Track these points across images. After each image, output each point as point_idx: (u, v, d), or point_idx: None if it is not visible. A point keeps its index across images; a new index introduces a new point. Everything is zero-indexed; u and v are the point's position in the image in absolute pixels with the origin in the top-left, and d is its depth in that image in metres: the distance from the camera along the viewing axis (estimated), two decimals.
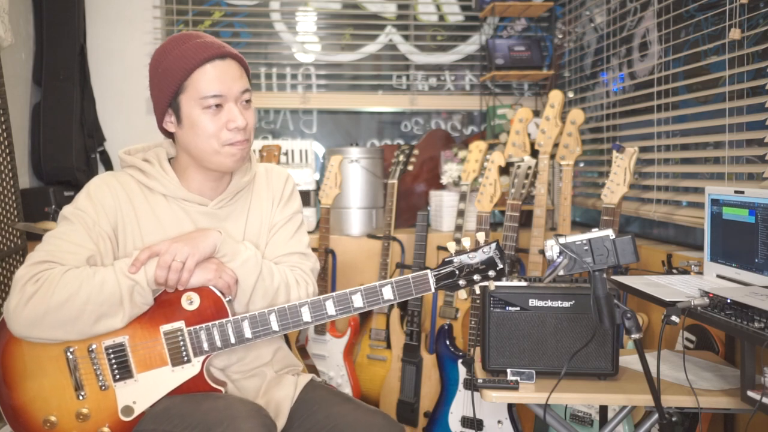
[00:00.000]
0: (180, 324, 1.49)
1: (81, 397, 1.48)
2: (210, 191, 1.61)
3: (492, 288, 1.56)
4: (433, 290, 1.50)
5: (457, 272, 1.50)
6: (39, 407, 1.48)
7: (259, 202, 1.67)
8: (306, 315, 1.50)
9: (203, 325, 1.49)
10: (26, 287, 1.41)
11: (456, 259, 1.50)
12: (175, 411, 1.43)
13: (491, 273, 1.50)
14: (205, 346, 1.49)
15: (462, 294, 1.55)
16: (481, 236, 1.52)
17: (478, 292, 1.55)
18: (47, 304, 1.40)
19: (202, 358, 1.49)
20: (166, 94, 1.51)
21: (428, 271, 1.50)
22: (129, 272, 1.44)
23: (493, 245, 1.50)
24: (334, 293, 1.50)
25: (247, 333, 1.49)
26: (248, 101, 1.56)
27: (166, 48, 1.52)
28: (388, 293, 1.50)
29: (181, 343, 1.49)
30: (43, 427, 1.48)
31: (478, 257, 1.49)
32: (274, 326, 1.50)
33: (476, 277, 1.50)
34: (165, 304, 1.49)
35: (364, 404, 1.59)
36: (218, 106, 1.50)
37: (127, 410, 1.48)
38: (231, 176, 1.64)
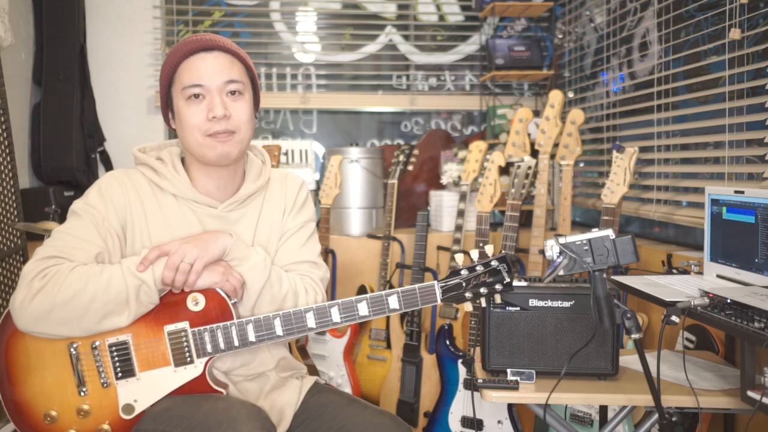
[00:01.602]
0: (184, 324, 1.49)
1: (82, 393, 1.48)
2: (217, 192, 1.60)
3: (498, 301, 1.56)
4: (439, 302, 1.50)
5: (464, 284, 1.50)
6: (40, 401, 1.49)
7: (271, 208, 1.65)
8: (311, 321, 1.50)
9: (207, 327, 1.49)
10: (33, 282, 1.41)
11: (463, 271, 1.50)
12: (175, 412, 1.43)
13: (498, 286, 1.50)
14: (209, 347, 1.49)
15: (467, 306, 1.54)
16: (489, 249, 1.51)
17: (483, 305, 1.55)
18: (53, 300, 1.40)
19: (204, 359, 1.49)
20: (163, 88, 1.57)
21: (435, 282, 1.50)
22: (137, 271, 1.44)
23: (501, 258, 1.50)
24: (339, 300, 1.50)
25: (251, 336, 1.49)
26: (237, 93, 1.54)
27: (172, 48, 1.58)
28: (393, 303, 1.50)
29: (185, 343, 1.49)
30: (44, 421, 1.48)
31: (485, 270, 1.49)
32: (279, 331, 1.49)
33: (483, 289, 1.50)
34: (170, 304, 1.49)
35: (371, 405, 1.59)
36: (201, 96, 1.52)
37: (128, 408, 1.48)
38: (242, 180, 1.64)
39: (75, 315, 1.41)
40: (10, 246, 2.77)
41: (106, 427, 1.48)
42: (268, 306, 1.53)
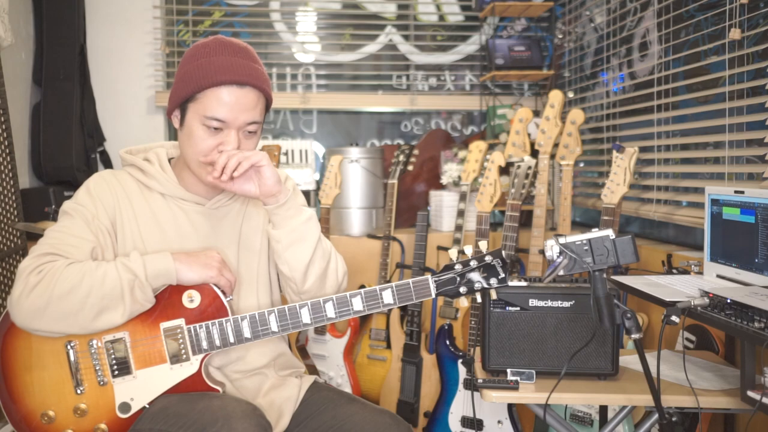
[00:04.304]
0: (180, 321, 1.49)
1: (79, 392, 1.48)
2: (206, 192, 1.61)
3: (494, 297, 1.56)
4: (433, 296, 1.50)
5: (458, 279, 1.50)
6: (37, 401, 1.49)
7: (257, 204, 1.66)
8: (305, 316, 1.50)
9: (203, 324, 1.49)
10: (30, 278, 1.41)
11: (457, 266, 1.50)
12: (172, 410, 1.44)
13: (492, 281, 1.50)
14: (204, 344, 1.49)
15: (463, 301, 1.54)
16: (483, 244, 1.51)
17: (479, 300, 1.55)
18: (50, 294, 1.40)
19: (200, 356, 1.50)
20: (180, 95, 1.51)
21: (429, 276, 1.50)
22: (210, 174, 1.47)
23: (495, 253, 1.50)
24: (333, 295, 1.51)
25: (246, 333, 1.50)
26: (252, 132, 1.53)
27: (199, 51, 1.51)
28: (388, 297, 1.50)
29: (181, 340, 1.49)
30: (41, 421, 1.49)
31: (480, 265, 1.49)
32: (273, 327, 1.50)
33: (477, 284, 1.50)
34: (166, 301, 1.50)
35: (370, 404, 1.60)
36: (218, 129, 1.49)
37: (125, 407, 1.48)
38: None
39: (71, 310, 1.41)
40: (10, 246, 2.77)
41: (103, 426, 1.48)
42: (321, 260, 1.56)
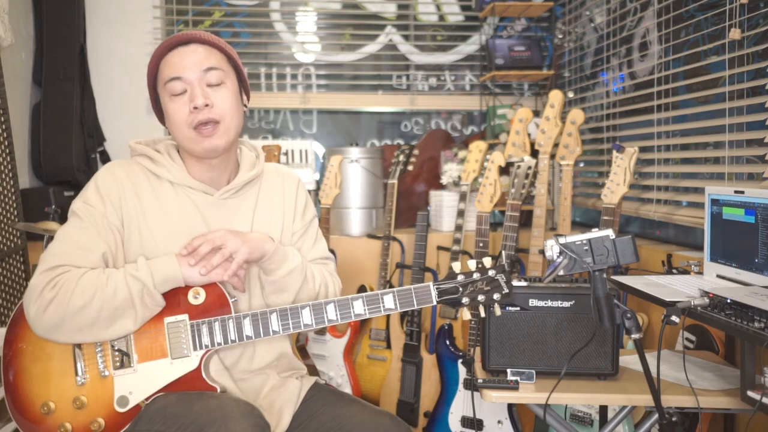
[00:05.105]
0: (183, 317, 1.50)
1: (80, 383, 1.49)
2: (212, 182, 1.62)
3: (497, 314, 1.55)
4: (434, 303, 1.51)
5: (460, 289, 1.50)
6: (39, 391, 1.50)
7: (269, 199, 1.67)
8: (307, 317, 1.51)
9: (205, 320, 1.50)
10: (44, 293, 1.43)
11: (460, 276, 1.50)
12: (170, 411, 1.44)
13: (496, 296, 1.50)
14: (206, 340, 1.50)
15: (466, 314, 1.53)
16: (487, 261, 1.51)
17: (483, 315, 1.54)
18: (65, 310, 1.42)
19: (201, 352, 1.50)
20: (151, 89, 1.59)
21: (431, 284, 1.50)
22: (188, 264, 1.47)
23: (500, 268, 1.50)
24: (335, 298, 1.52)
25: (248, 331, 1.50)
26: (219, 82, 1.54)
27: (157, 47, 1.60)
28: (389, 302, 1.51)
29: (183, 335, 1.50)
30: (40, 411, 1.50)
31: (482, 278, 1.50)
32: (275, 326, 1.51)
33: (480, 297, 1.50)
34: (172, 297, 1.51)
35: (370, 405, 1.60)
36: (184, 90, 1.53)
37: (123, 401, 1.49)
38: (236, 170, 1.66)
39: (86, 324, 1.44)
40: (10, 246, 2.77)
41: (100, 420, 1.49)
42: (307, 301, 1.60)
